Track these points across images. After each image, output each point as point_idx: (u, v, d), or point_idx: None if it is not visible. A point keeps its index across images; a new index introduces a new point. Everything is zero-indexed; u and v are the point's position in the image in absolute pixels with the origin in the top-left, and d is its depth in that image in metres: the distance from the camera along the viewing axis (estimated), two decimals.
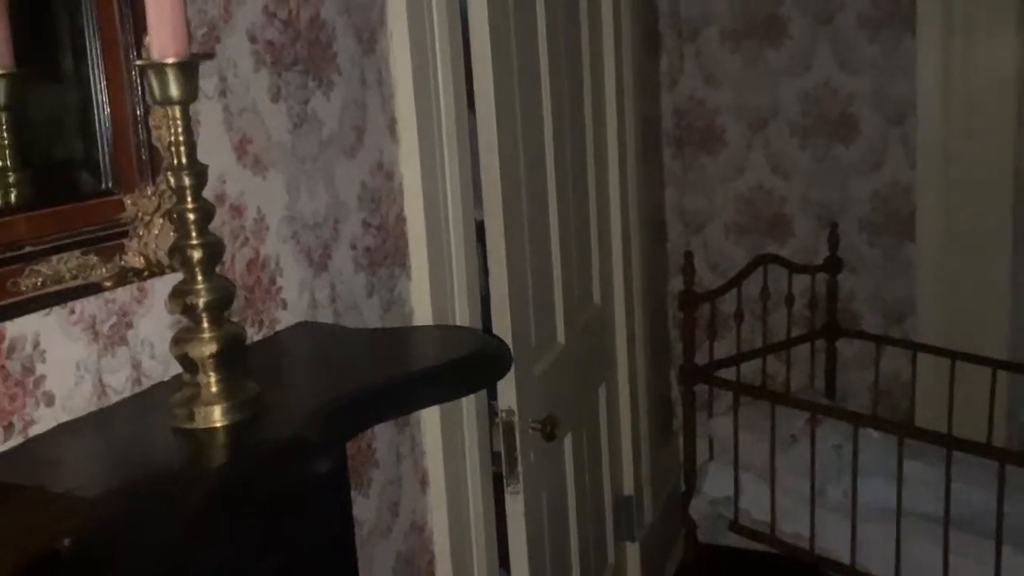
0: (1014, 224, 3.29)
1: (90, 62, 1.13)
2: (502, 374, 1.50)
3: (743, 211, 3.75)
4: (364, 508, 1.67)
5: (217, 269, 1.11)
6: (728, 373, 3.29)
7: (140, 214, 1.18)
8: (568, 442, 2.43)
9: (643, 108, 3.27)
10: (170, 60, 1.01)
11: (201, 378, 1.08)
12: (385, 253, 1.73)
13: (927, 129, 3.35)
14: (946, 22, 3.25)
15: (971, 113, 3.27)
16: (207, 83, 1.30)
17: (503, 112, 1.99)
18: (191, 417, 1.07)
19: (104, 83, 1.14)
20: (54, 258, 1.08)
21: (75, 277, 1.10)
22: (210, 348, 1.07)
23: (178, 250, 1.08)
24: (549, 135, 2.31)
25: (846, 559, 2.85)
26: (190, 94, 1.04)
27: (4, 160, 1.07)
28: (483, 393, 1.95)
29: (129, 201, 1.17)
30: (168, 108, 1.05)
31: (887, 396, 3.53)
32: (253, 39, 1.39)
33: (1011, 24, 3.19)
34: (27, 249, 1.05)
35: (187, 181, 1.06)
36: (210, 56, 1.30)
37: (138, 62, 1.13)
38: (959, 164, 3.31)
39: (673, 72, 3.74)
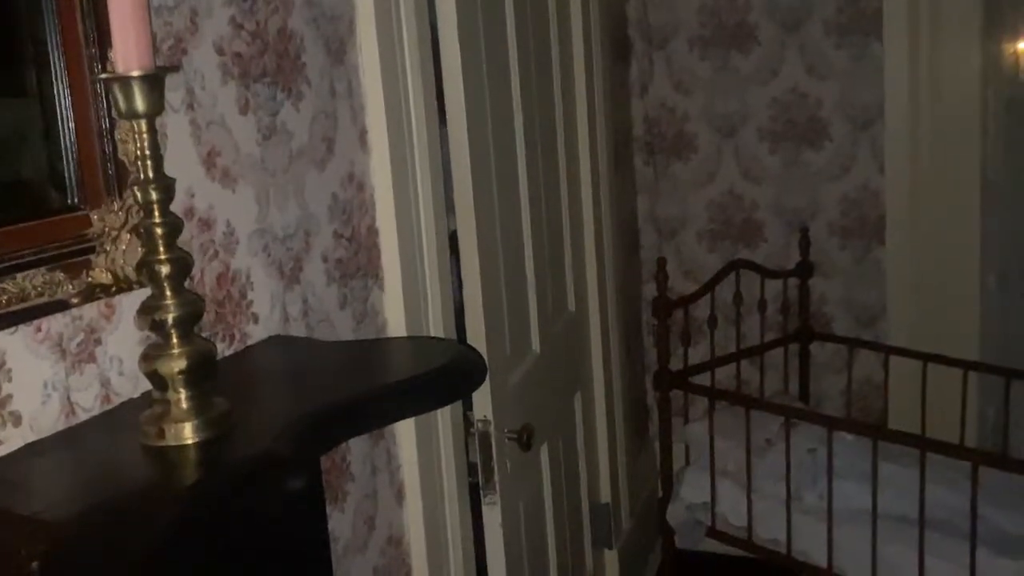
0: (982, 226, 3.32)
1: (54, 76, 1.11)
2: (477, 385, 1.49)
3: (715, 217, 3.77)
4: (340, 523, 1.65)
5: (186, 284, 1.10)
6: (703, 379, 3.29)
7: (107, 229, 1.16)
8: (544, 451, 2.42)
9: (614, 115, 3.28)
10: (135, 73, 1.00)
11: (171, 395, 1.07)
12: (357, 265, 1.72)
13: (895, 134, 3.38)
14: (912, 28, 3.28)
15: (938, 118, 3.30)
16: (174, 96, 1.29)
17: (474, 120, 1.99)
18: (161, 435, 1.05)
19: (69, 97, 1.12)
20: (19, 275, 1.06)
21: (41, 294, 1.09)
22: (179, 364, 1.06)
23: (146, 265, 1.07)
24: (521, 143, 2.31)
25: (823, 563, 2.86)
26: (156, 107, 1.03)
27: None
28: (458, 403, 1.94)
29: (96, 216, 1.15)
30: (134, 122, 1.03)
31: (860, 399, 3.55)
32: (220, 51, 1.38)
33: (976, 29, 3.23)
34: None
35: (154, 195, 1.05)
36: (176, 69, 1.28)
37: (102, 76, 1.12)
38: (927, 168, 3.34)
39: (643, 79, 3.75)
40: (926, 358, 3.19)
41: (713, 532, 3.20)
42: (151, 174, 1.05)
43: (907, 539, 2.64)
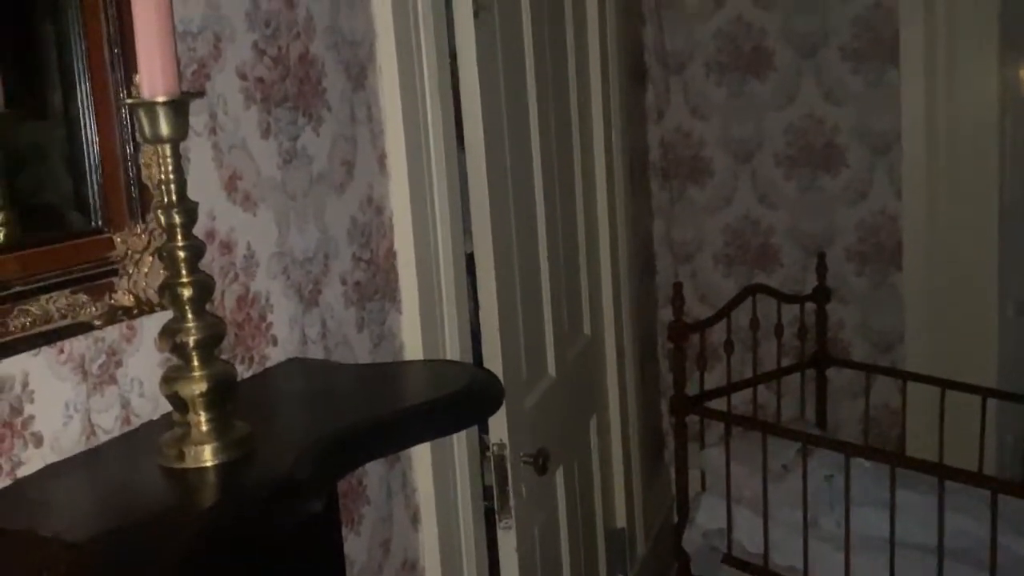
0: (1000, 252, 3.31)
1: (80, 101, 1.13)
2: (495, 409, 1.49)
3: (731, 242, 3.77)
4: (355, 546, 1.65)
5: (207, 306, 1.11)
6: (719, 404, 3.28)
7: (130, 252, 1.17)
8: (560, 475, 2.41)
9: (630, 140, 3.29)
10: (160, 99, 1.01)
11: (191, 417, 1.07)
12: (375, 288, 1.73)
13: (912, 159, 3.38)
14: (929, 54, 3.29)
15: (955, 143, 3.30)
16: (197, 120, 1.30)
17: (492, 145, 2.00)
18: (181, 457, 1.06)
19: (94, 121, 1.14)
20: (43, 297, 1.07)
21: (64, 316, 1.10)
22: (200, 387, 1.06)
23: (168, 288, 1.08)
24: (538, 167, 2.31)
25: None
26: (180, 132, 1.04)
27: None
28: (474, 427, 1.94)
29: (119, 239, 1.17)
30: (159, 146, 1.05)
31: (878, 425, 3.53)
32: (243, 76, 1.40)
33: (993, 55, 3.23)
34: (16, 288, 1.04)
35: (177, 219, 1.06)
36: (201, 94, 1.30)
37: (128, 101, 1.13)
38: (944, 193, 3.34)
39: (660, 104, 3.77)
40: (944, 384, 3.17)
41: (729, 559, 3.18)
42: (175, 198, 1.06)
43: (925, 567, 2.62)
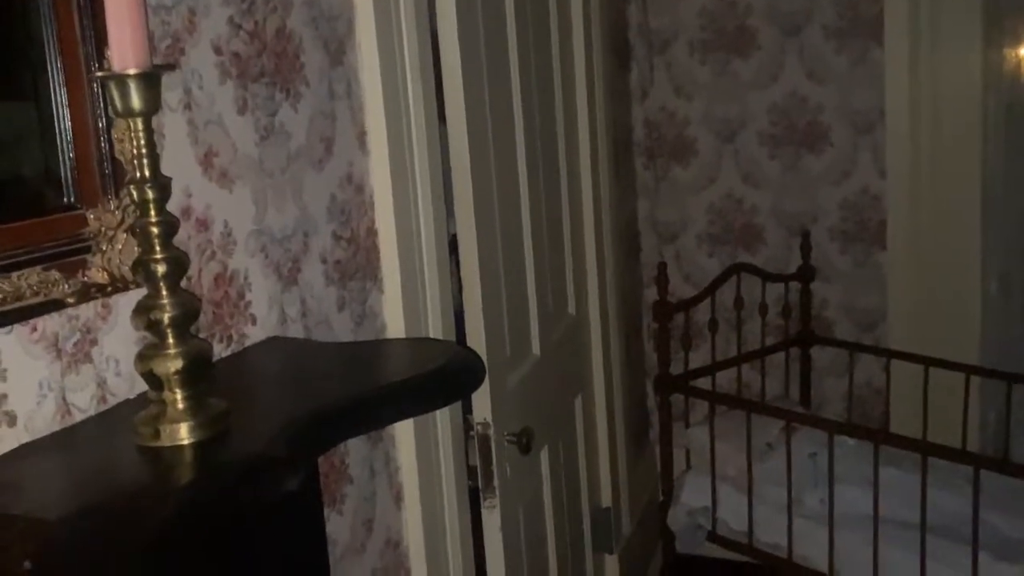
0: (983, 230, 3.32)
1: (50, 74, 1.11)
2: (475, 386, 1.48)
3: (715, 221, 3.77)
4: (338, 525, 1.65)
5: (183, 284, 1.09)
6: (704, 383, 3.29)
7: (103, 228, 1.16)
8: (544, 454, 2.41)
9: (614, 119, 3.27)
10: (131, 71, 0.99)
11: (167, 395, 1.06)
12: (356, 266, 1.71)
13: (896, 138, 3.38)
14: (913, 32, 3.28)
15: (939, 122, 3.30)
16: (171, 95, 1.28)
17: (474, 123, 1.98)
18: (157, 435, 1.05)
19: (65, 95, 1.12)
20: (14, 274, 1.05)
21: (36, 294, 1.08)
22: (175, 364, 1.05)
23: (141, 265, 1.06)
24: (521, 146, 2.30)
25: (824, 567, 2.85)
26: (152, 106, 1.02)
27: None
28: (458, 406, 1.94)
29: (92, 215, 1.15)
30: (130, 120, 1.03)
31: (861, 403, 3.55)
32: (218, 51, 1.38)
33: (977, 33, 3.23)
34: None
35: (150, 194, 1.04)
36: (173, 67, 1.28)
37: (99, 73, 1.11)
38: (928, 172, 3.34)
39: (643, 84, 3.75)
40: (927, 362, 3.19)
41: (714, 537, 3.19)
42: (147, 173, 1.04)
43: (908, 544, 2.64)
